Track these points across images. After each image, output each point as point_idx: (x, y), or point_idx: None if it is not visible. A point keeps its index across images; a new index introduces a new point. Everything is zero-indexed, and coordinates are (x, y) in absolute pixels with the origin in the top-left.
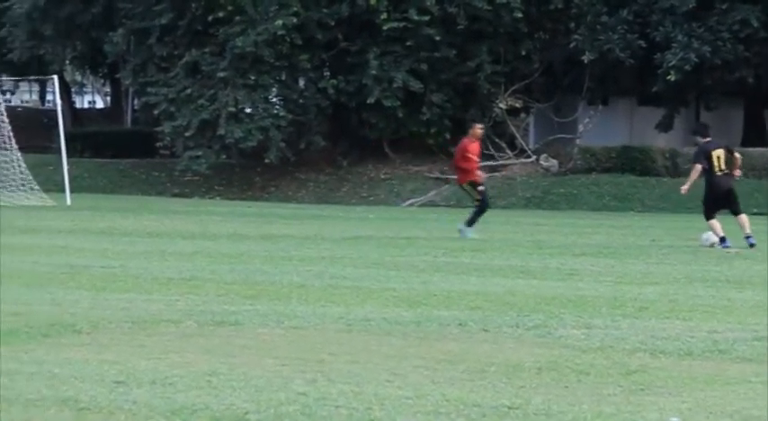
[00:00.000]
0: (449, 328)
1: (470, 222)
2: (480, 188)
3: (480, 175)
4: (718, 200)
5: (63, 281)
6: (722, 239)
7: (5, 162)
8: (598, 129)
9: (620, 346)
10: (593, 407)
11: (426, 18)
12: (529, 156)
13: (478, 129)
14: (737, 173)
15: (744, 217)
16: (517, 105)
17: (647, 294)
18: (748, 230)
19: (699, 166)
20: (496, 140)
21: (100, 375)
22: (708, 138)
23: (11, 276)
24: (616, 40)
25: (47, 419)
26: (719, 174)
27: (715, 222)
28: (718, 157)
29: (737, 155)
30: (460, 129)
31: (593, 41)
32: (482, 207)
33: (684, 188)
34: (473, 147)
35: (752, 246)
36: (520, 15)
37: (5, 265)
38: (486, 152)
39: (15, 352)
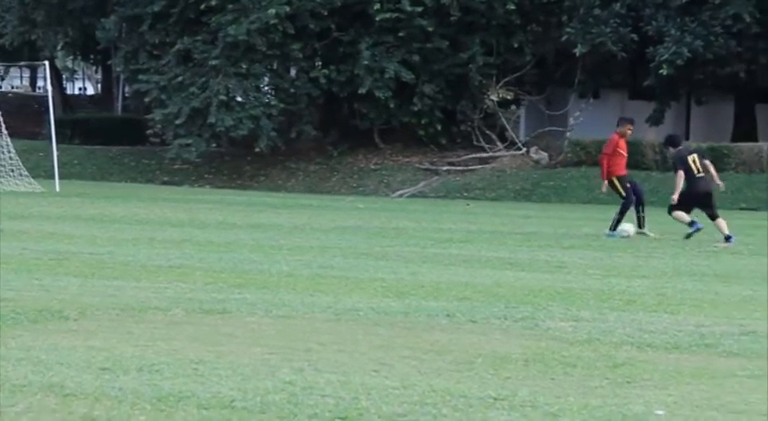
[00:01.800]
0: (436, 319)
1: (614, 226)
2: (627, 184)
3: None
4: (693, 201)
5: (51, 267)
6: (692, 222)
7: None
8: (589, 122)
9: (607, 339)
10: (580, 400)
11: (419, 9)
12: (519, 149)
13: (629, 130)
14: (720, 182)
15: (721, 220)
16: (508, 97)
17: (635, 287)
18: (727, 231)
19: (682, 172)
20: (487, 132)
21: (86, 362)
22: (680, 147)
23: None
24: (608, 33)
25: (32, 405)
26: (699, 175)
27: (680, 213)
28: (694, 161)
29: (708, 162)
30: (451, 121)
31: (585, 34)
32: (627, 205)
33: (674, 197)
34: (623, 143)
35: (728, 239)
36: (513, 7)
37: None
38: (476, 144)
39: (2, 337)
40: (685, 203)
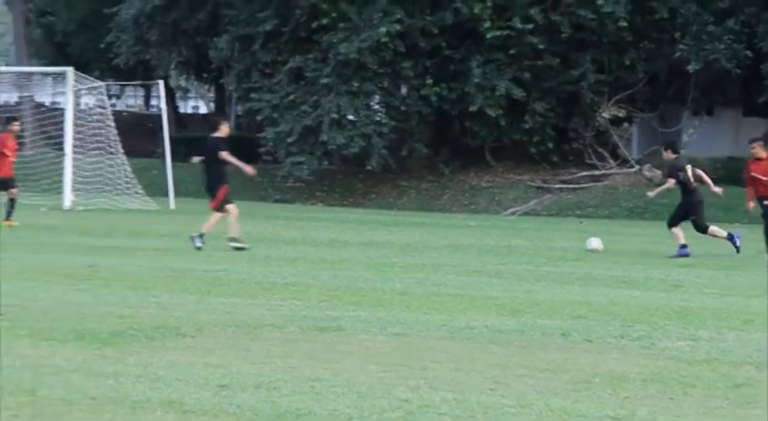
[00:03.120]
0: (552, 338)
1: None
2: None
3: None
4: (688, 210)
5: (167, 284)
6: (683, 245)
7: (111, 166)
8: (703, 139)
9: (726, 359)
10: (700, 420)
11: (530, 26)
12: (632, 166)
13: (750, 149)
14: (718, 189)
15: (715, 228)
16: (620, 115)
17: (753, 306)
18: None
19: (673, 181)
20: (599, 150)
21: (204, 378)
22: (678, 154)
23: (116, 279)
24: (722, 49)
25: None
26: (694, 187)
27: (677, 230)
28: (691, 170)
29: (701, 172)
30: (563, 138)
31: (698, 51)
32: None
33: (651, 194)
34: (753, 166)
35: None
36: (624, 24)
37: (112, 268)
38: (588, 162)
39: (121, 354)
40: (680, 214)
